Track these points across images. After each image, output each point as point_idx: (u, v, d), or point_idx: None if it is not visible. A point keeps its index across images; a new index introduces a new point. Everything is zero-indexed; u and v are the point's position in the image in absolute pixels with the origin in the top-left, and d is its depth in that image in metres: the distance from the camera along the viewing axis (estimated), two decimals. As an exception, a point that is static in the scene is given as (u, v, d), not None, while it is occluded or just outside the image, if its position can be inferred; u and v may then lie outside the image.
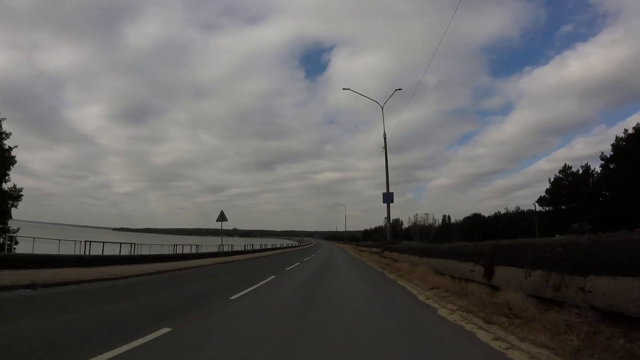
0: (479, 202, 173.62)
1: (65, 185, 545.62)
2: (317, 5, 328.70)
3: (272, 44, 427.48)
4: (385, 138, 24.13)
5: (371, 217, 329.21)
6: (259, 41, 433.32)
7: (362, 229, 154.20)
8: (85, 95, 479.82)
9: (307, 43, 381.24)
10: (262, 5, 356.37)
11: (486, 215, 71.68)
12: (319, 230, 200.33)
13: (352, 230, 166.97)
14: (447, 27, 41.32)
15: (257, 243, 61.36)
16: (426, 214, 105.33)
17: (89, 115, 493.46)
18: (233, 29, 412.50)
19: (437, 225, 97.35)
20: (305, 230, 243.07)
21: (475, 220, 70.84)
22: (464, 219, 75.12)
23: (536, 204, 50.96)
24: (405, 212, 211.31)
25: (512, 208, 72.81)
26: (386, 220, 30.24)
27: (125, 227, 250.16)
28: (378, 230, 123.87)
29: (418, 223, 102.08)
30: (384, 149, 24.18)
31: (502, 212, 69.60)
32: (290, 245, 76.59)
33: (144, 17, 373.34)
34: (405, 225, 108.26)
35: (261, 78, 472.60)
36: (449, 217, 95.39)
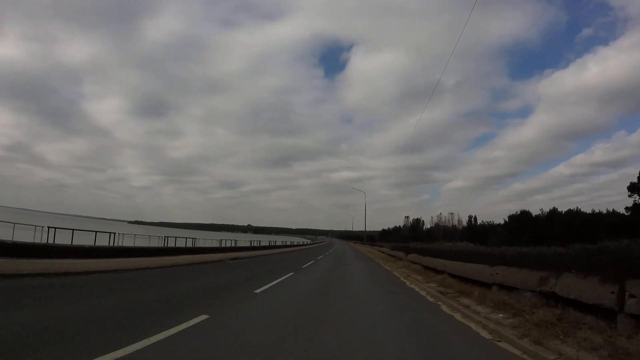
0: (496, 205, 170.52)
1: (81, 177, 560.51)
2: (336, 3, 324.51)
3: (289, 41, 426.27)
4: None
5: (385, 216, 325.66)
6: (276, 38, 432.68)
7: (376, 229, 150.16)
8: (103, 89, 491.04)
9: (326, 41, 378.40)
10: (281, 1, 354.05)
11: (534, 214, 62.92)
12: (332, 229, 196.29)
13: (368, 229, 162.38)
14: (463, 28, 37.77)
15: (267, 240, 59.21)
16: (451, 213, 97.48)
17: (107, 108, 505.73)
18: (250, 25, 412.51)
19: (460, 227, 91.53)
20: (319, 228, 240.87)
21: (519, 219, 61.14)
22: (509, 217, 65.09)
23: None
24: (419, 213, 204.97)
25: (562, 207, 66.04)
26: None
27: (139, 220, 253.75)
28: (397, 230, 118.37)
29: (441, 224, 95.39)
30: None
31: (558, 210, 60.69)
32: (300, 243, 73.15)
33: (162, 12, 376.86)
34: (427, 225, 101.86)
35: (277, 75, 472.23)
36: (475, 217, 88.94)
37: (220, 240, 33.72)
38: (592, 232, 40.26)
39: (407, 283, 11.32)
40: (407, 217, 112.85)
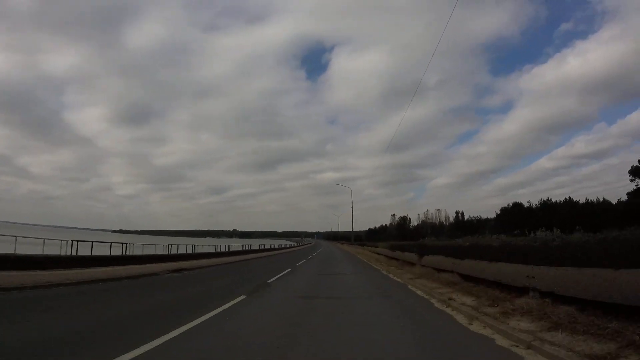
0: (480, 200, 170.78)
1: (67, 188, 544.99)
2: (318, 4, 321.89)
3: (273, 44, 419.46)
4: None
5: (372, 215, 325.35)
6: (259, 41, 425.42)
7: (363, 228, 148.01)
8: (86, 98, 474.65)
9: (308, 43, 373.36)
10: (264, 5, 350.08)
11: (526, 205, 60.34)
12: (321, 230, 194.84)
13: (354, 229, 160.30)
14: (446, 26, 35.81)
15: (252, 244, 56.01)
16: (438, 209, 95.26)
17: (90, 117, 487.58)
18: (234, 29, 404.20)
19: (447, 223, 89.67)
20: (307, 230, 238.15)
21: (510, 212, 58.44)
22: (501, 209, 62.00)
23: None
24: (405, 212, 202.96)
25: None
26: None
27: (124, 228, 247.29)
28: (384, 229, 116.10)
29: (427, 221, 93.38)
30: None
31: (552, 201, 58.29)
32: (283, 245, 69.64)
33: (145, 19, 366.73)
34: (414, 223, 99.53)
35: (262, 78, 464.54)
36: (462, 213, 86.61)
37: (193, 246, 29.25)
38: (592, 220, 38.22)
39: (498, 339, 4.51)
40: (394, 215, 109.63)
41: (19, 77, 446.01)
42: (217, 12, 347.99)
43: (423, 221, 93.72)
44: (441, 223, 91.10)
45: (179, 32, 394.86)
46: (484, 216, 77.18)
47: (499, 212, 63.14)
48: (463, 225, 74.42)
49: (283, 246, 66.68)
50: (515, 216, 55.42)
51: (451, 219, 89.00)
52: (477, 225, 70.23)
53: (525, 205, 60.58)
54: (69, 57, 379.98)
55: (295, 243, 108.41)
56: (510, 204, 61.51)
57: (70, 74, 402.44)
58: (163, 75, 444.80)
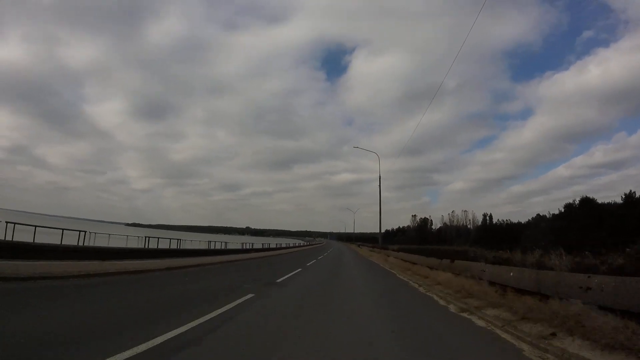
0: (494, 207, 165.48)
1: (82, 180, 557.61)
2: (338, 6, 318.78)
3: (292, 44, 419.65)
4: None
5: (383, 219, 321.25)
6: (279, 40, 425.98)
7: (376, 231, 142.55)
8: (105, 91, 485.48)
9: (329, 45, 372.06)
10: (285, 5, 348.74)
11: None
12: (333, 231, 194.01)
13: (367, 232, 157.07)
14: (469, 32, 32.21)
15: (261, 242, 56.35)
16: (464, 211, 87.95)
17: (108, 110, 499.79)
18: (253, 27, 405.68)
19: (471, 227, 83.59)
20: (319, 230, 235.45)
21: (576, 211, 43.51)
22: (565, 206, 47.81)
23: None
24: (420, 215, 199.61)
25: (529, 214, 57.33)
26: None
27: (137, 222, 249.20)
28: (402, 230, 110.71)
29: (452, 222, 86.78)
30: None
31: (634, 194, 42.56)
32: (292, 245, 67.07)
33: (165, 14, 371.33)
34: (437, 225, 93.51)
35: (280, 77, 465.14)
36: (490, 215, 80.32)
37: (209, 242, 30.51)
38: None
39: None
40: (414, 216, 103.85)
41: (39, 68, 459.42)
42: (236, 10, 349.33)
43: (445, 224, 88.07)
44: (464, 226, 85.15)
45: (198, 28, 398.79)
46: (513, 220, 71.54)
47: (562, 210, 49.14)
48: (492, 229, 68.71)
49: (292, 245, 65.27)
50: (584, 217, 41.61)
51: (478, 222, 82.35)
52: (506, 229, 64.68)
53: (600, 202, 46.05)
54: (88, 50, 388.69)
55: (304, 242, 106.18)
56: (577, 201, 46.23)
57: (89, 67, 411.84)
58: (181, 71, 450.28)
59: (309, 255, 31.69)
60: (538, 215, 57.61)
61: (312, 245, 77.31)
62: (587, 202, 44.89)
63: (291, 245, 61.64)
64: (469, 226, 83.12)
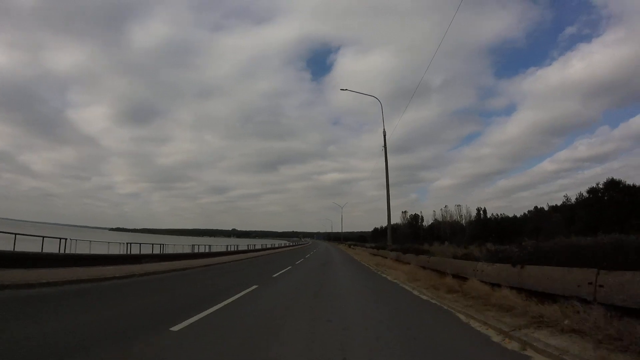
0: (482, 203, 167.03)
1: (68, 186, 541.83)
2: (324, 6, 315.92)
3: (278, 45, 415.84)
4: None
5: (374, 217, 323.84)
6: (265, 42, 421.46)
7: (365, 229, 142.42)
8: (91, 97, 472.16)
9: (314, 44, 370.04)
10: (270, 6, 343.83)
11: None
12: (321, 231, 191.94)
13: (356, 230, 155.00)
14: (448, 28, 31.89)
15: (247, 244, 53.13)
16: (458, 205, 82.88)
17: (94, 116, 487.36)
18: (240, 29, 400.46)
19: (464, 222, 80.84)
20: (308, 231, 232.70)
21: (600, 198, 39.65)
22: (590, 190, 43.83)
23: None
24: (410, 212, 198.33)
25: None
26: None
27: (121, 227, 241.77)
28: (394, 228, 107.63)
29: (446, 218, 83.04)
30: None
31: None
32: (273, 245, 62.91)
33: (151, 18, 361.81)
34: (429, 221, 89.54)
35: (267, 79, 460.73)
36: (484, 210, 77.66)
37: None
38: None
39: None
40: (405, 212, 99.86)
41: (22, 74, 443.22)
42: (223, 13, 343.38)
43: (436, 219, 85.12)
44: (455, 221, 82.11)
45: (184, 32, 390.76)
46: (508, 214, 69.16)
47: (582, 197, 46.21)
48: (487, 224, 66.18)
49: (273, 246, 60.90)
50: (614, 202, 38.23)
51: (472, 217, 79.36)
52: (502, 224, 62.26)
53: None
54: (72, 55, 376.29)
55: (289, 242, 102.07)
56: (585, 193, 43.73)
57: (73, 73, 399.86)
58: (167, 75, 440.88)
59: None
60: (555, 205, 54.42)
61: (288, 247, 65.51)
62: (613, 185, 41.39)
63: (265, 247, 53.85)
64: (463, 222, 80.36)
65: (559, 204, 54.01)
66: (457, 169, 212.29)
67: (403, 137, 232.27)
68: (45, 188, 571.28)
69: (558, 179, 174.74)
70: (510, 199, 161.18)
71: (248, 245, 48.32)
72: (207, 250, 28.34)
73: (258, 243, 67.95)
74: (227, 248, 35.53)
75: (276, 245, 62.84)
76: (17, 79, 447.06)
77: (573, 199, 50.58)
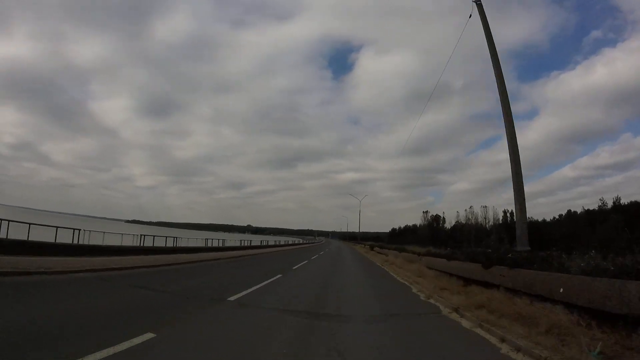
0: (499, 208, 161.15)
1: (87, 177, 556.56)
2: (346, 4, 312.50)
3: (300, 42, 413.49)
4: None
5: (387, 218, 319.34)
6: (286, 38, 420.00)
7: (379, 230, 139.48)
8: (111, 88, 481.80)
9: (336, 42, 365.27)
10: (293, 2, 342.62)
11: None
12: (336, 230, 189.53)
13: (371, 231, 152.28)
14: (463, 30, 25.75)
15: (259, 240, 53.62)
16: (484, 206, 79.30)
17: (114, 107, 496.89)
18: (261, 25, 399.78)
19: (487, 226, 77.00)
20: (322, 229, 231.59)
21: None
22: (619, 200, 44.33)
23: None
24: (423, 216, 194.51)
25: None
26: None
27: (137, 219, 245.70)
28: (410, 229, 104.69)
29: (471, 220, 78.69)
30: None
31: None
32: (284, 242, 62.48)
33: (173, 12, 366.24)
34: (451, 222, 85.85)
35: (286, 75, 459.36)
36: (511, 212, 73.90)
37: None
38: None
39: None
40: (426, 212, 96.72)
41: (45, 65, 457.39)
42: (245, 8, 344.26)
43: (458, 222, 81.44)
44: (479, 224, 78.23)
45: (205, 26, 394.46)
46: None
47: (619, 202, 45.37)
48: (513, 228, 62.35)
49: (283, 243, 60.69)
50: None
51: (499, 219, 75.04)
52: (530, 228, 58.04)
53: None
54: (95, 47, 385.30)
55: (302, 240, 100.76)
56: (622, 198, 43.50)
57: (95, 64, 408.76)
58: (187, 68, 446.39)
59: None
60: (589, 210, 50.60)
61: (301, 245, 63.91)
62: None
63: (277, 243, 53.71)
64: (488, 225, 76.09)
65: (593, 208, 50.41)
66: (474, 174, 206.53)
67: (422, 140, 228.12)
68: (65, 178, 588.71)
69: (578, 186, 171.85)
70: (527, 205, 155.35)
71: (261, 242, 48.85)
72: (222, 245, 30.23)
73: (271, 239, 67.14)
74: (240, 243, 37.12)
75: (282, 243, 61.22)
76: (39, 69, 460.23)
77: (610, 204, 46.96)
